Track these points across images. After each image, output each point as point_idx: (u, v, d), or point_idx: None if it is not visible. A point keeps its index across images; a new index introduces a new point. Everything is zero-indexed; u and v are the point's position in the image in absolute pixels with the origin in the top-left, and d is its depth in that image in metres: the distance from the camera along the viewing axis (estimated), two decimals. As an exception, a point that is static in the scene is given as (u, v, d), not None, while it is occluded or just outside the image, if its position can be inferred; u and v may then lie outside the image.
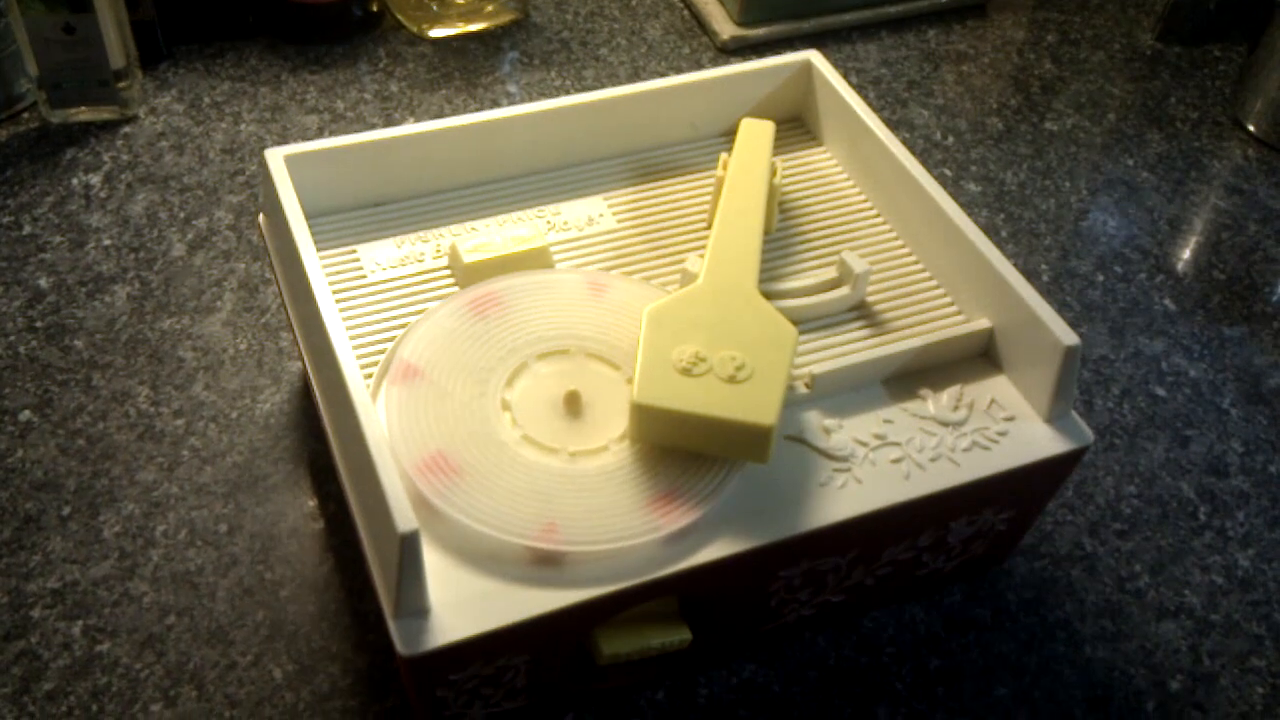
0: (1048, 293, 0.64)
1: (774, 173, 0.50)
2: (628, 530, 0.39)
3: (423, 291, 0.48)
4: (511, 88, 0.75)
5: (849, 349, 0.47)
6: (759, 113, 0.56)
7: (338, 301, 0.47)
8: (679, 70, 0.77)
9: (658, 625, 0.43)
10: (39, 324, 0.59)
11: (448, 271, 0.49)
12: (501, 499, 0.40)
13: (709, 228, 0.51)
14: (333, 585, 0.49)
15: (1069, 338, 0.43)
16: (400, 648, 0.37)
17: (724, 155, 0.51)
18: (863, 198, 0.54)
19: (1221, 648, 0.50)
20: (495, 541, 0.39)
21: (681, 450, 0.42)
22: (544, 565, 0.39)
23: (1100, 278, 0.66)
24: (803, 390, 0.45)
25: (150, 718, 0.45)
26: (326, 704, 0.46)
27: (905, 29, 0.83)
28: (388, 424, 0.42)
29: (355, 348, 0.45)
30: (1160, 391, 0.60)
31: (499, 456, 0.41)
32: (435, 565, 0.39)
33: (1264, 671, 0.49)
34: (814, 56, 0.56)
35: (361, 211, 0.51)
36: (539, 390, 0.44)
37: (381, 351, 0.45)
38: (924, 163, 0.71)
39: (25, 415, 0.55)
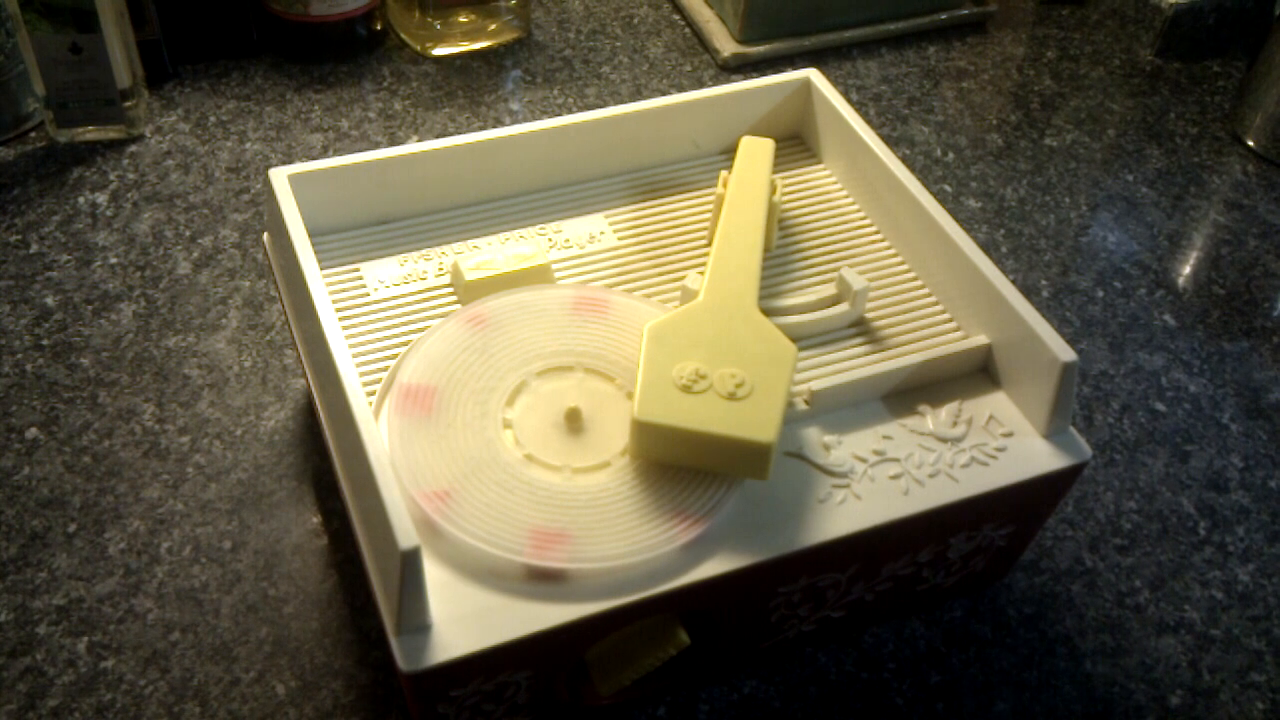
0: (1048, 308, 0.65)
1: (774, 190, 0.51)
2: (638, 545, 0.40)
3: (425, 309, 0.48)
4: (514, 106, 0.75)
5: (848, 365, 0.47)
6: (759, 130, 0.57)
7: (341, 319, 0.48)
8: (680, 88, 0.77)
9: (650, 641, 0.43)
10: (45, 342, 0.59)
11: (450, 290, 0.49)
12: (498, 516, 0.40)
13: (709, 245, 0.51)
14: (335, 601, 0.50)
15: (1066, 354, 0.44)
16: (402, 664, 0.37)
17: (724, 173, 0.52)
18: (862, 215, 0.54)
19: (1221, 663, 0.50)
20: (492, 558, 0.40)
21: (681, 467, 0.42)
22: (541, 581, 0.39)
23: (1100, 293, 0.66)
24: (802, 407, 0.45)
25: (154, 734, 0.45)
26: (329, 720, 0.46)
27: (905, 46, 0.83)
28: (391, 445, 0.42)
29: (358, 365, 0.46)
30: (1160, 407, 0.60)
31: (501, 476, 0.42)
32: (437, 581, 0.39)
33: (1264, 687, 0.49)
34: (813, 75, 0.56)
35: (365, 230, 0.52)
36: (540, 408, 0.44)
37: (384, 369, 0.46)
38: (924, 179, 0.72)
39: (32, 433, 0.55)
